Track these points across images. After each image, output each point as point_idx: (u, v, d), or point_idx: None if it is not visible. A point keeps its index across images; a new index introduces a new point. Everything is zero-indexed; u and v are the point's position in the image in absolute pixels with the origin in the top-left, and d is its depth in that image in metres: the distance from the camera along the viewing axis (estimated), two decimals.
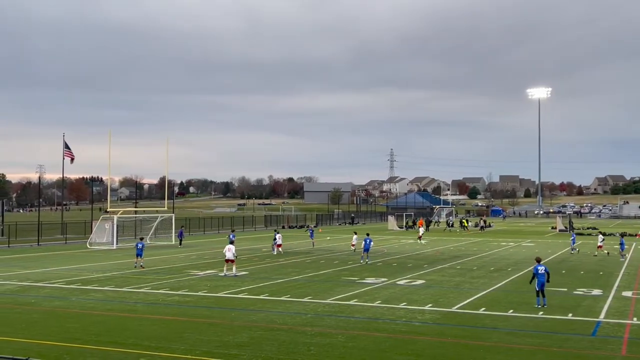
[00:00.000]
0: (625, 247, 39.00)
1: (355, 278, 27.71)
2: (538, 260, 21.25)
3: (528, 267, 32.51)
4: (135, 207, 70.11)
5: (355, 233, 46.91)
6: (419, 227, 79.09)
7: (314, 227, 78.01)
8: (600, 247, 39.57)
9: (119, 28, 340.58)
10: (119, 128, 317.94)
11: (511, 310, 19.51)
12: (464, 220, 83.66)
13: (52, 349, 14.40)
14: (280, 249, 40.54)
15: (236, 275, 28.03)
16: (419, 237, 52.78)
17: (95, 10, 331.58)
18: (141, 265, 31.84)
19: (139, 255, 31.95)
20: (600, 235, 41.12)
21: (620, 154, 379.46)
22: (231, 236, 38.42)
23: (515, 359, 13.65)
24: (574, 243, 43.02)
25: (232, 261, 28.71)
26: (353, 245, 43.28)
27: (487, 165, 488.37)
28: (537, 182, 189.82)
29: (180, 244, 48.54)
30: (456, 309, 20.01)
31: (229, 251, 28.65)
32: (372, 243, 35.37)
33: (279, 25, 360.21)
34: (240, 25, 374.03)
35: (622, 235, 41.42)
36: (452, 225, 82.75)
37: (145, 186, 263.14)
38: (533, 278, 20.61)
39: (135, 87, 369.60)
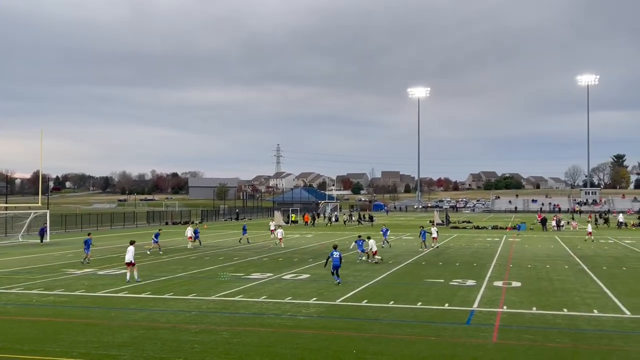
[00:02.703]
0: (425, 239, 40.73)
1: (240, 274, 27.57)
2: (334, 247, 25.21)
3: (408, 259, 33.79)
4: (6, 203, 65.82)
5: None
6: (305, 222, 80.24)
7: (199, 222, 76.82)
8: (435, 238, 41.92)
9: None
10: None
11: (392, 302, 20.15)
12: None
13: None
14: (191, 241, 41.93)
15: (130, 281, 24.70)
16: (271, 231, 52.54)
17: None
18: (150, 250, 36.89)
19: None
20: (434, 228, 43.61)
21: (492, 152, 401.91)
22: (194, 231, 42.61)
23: (396, 349, 14.11)
24: (385, 236, 43.08)
25: (131, 264, 25.10)
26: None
27: (370, 161, 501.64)
28: (416, 178, 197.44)
29: (42, 241, 46.50)
30: (340, 301, 20.40)
31: (129, 252, 25.18)
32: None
33: (166, 16, 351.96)
34: (125, 15, 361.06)
35: (423, 226, 43.86)
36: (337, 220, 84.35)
37: (17, 181, 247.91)
38: (327, 261, 24.54)
39: (8, 76, 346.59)
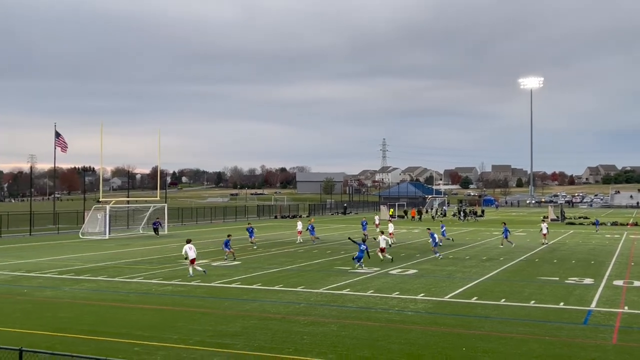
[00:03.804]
0: (509, 234, 38.93)
1: (347, 268, 27.75)
2: (364, 240, 28.48)
3: (520, 256, 32.73)
4: (128, 197, 69.83)
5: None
6: (412, 216, 79.51)
7: (307, 216, 77.98)
8: (545, 235, 40.35)
9: (111, 16, 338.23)
10: (111, 118, 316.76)
11: (503, 299, 19.60)
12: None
13: (45, 338, 14.37)
14: (300, 236, 42.10)
15: (192, 275, 24.66)
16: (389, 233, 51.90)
17: None
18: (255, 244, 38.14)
19: (251, 236, 38.64)
20: (544, 224, 41.58)
21: (611, 144, 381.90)
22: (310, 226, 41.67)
23: (507, 348, 13.71)
24: (444, 234, 40.63)
25: (194, 261, 25.01)
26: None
27: (480, 154, 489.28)
28: (529, 171, 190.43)
29: (157, 233, 48.82)
30: (448, 298, 20.08)
31: (191, 249, 24.95)
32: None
33: (275, 14, 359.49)
34: (236, 14, 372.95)
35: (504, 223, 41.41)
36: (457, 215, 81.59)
37: (138, 176, 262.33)
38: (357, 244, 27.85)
39: (127, 77, 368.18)
